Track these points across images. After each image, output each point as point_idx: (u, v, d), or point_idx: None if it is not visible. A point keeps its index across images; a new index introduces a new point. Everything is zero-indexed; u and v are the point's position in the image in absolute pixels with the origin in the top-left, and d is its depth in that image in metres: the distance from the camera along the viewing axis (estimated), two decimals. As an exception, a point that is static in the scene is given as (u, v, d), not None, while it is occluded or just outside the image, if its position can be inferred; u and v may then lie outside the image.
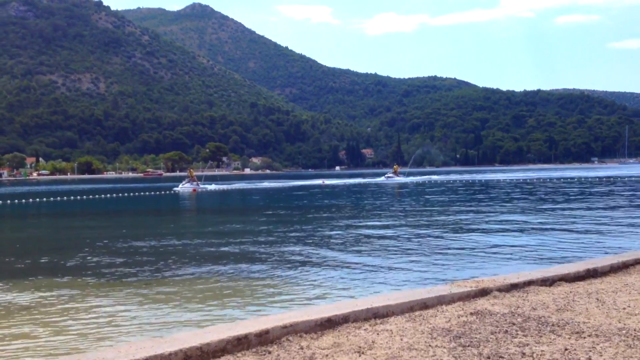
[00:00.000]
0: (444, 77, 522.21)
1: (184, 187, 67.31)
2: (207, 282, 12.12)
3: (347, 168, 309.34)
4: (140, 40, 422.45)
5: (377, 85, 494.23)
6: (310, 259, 14.62)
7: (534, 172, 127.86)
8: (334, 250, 16.09)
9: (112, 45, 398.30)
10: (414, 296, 6.83)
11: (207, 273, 13.09)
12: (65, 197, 51.94)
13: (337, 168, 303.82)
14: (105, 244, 18.87)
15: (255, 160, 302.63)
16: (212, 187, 72.30)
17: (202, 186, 69.97)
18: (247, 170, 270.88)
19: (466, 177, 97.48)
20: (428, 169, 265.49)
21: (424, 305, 6.70)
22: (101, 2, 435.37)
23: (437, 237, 18.45)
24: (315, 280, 12.00)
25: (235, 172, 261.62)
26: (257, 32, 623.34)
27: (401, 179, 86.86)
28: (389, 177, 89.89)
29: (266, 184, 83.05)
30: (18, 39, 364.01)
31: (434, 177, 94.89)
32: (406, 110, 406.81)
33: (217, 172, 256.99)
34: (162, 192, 60.51)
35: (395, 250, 15.70)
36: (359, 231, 20.60)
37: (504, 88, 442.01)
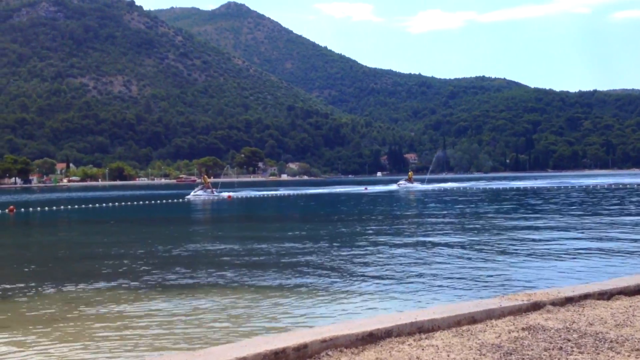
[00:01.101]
0: (493, 77, 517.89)
1: (197, 195, 64.84)
2: (242, 292, 12.17)
3: (390, 174, 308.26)
4: (174, 41, 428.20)
5: (421, 86, 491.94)
6: (349, 270, 14.59)
7: (573, 178, 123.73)
8: (374, 260, 16.03)
9: (144, 47, 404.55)
10: (461, 310, 6.75)
11: (241, 282, 13.16)
12: (90, 205, 52.85)
13: (379, 174, 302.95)
14: (132, 252, 19.11)
15: (293, 166, 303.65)
16: (227, 194, 69.73)
17: (216, 193, 68.03)
18: (284, 177, 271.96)
19: (494, 184, 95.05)
20: (476, 174, 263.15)
21: (472, 319, 6.63)
22: (133, 2, 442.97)
23: (484, 247, 18.25)
24: (355, 292, 11.97)
25: (272, 178, 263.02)
26: (295, 31, 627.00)
27: (415, 186, 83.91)
28: (401, 184, 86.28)
29: (282, 191, 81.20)
30: (48, 41, 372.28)
31: (455, 185, 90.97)
32: (452, 113, 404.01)
33: (252, 178, 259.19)
34: (173, 200, 59.05)
35: (440, 262, 15.58)
36: (399, 241, 20.49)
37: (557, 88, 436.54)
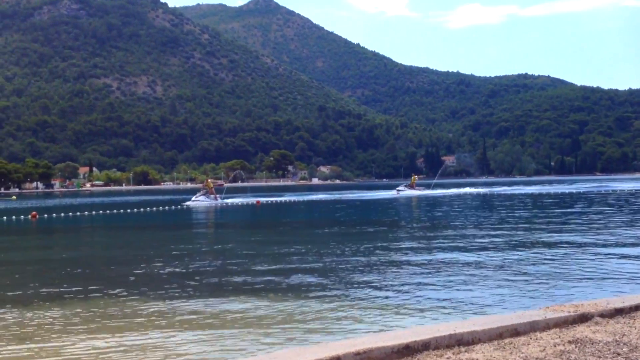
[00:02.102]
0: (536, 74, 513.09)
1: (198, 200, 62.56)
2: (271, 301, 12.23)
3: (426, 177, 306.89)
4: (200, 40, 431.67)
5: (460, 84, 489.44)
6: (383, 278, 14.58)
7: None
8: (410, 269, 15.99)
9: (169, 46, 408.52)
10: (503, 321, 6.71)
11: (270, 292, 13.21)
12: (115, 210, 53.46)
13: (415, 177, 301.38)
14: (157, 259, 19.30)
15: (324, 169, 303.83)
16: (235, 200, 67.87)
17: (220, 200, 65.40)
18: (315, 180, 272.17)
19: (516, 189, 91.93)
20: (517, 178, 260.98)
21: (515, 331, 6.58)
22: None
23: (525, 255, 18.10)
24: (390, 302, 11.95)
25: (302, 182, 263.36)
26: (326, 28, 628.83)
27: (416, 193, 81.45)
28: (400, 190, 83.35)
29: (288, 197, 77.79)
30: (70, 40, 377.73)
31: (463, 190, 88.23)
32: (493, 113, 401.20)
33: (282, 182, 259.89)
34: (172, 207, 56.74)
35: (479, 270, 15.49)
36: (434, 247, 20.42)
37: (605, 86, 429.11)
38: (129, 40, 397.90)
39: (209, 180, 71.84)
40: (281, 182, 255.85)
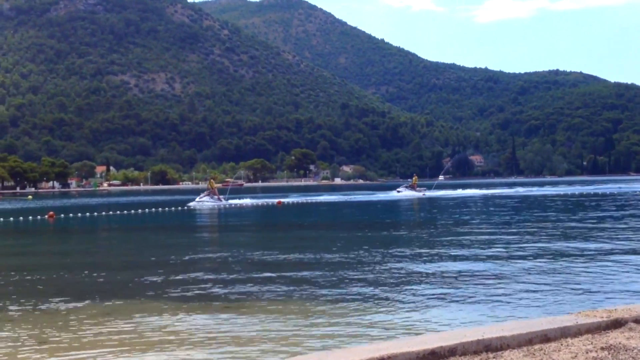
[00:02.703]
0: (568, 70, 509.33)
1: (202, 201, 62.18)
2: (293, 305, 12.26)
3: (453, 177, 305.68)
4: (219, 35, 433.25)
5: (488, 81, 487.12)
6: (408, 281, 14.57)
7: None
8: (436, 272, 15.97)
9: (188, 42, 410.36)
10: (533, 327, 6.69)
11: (291, 296, 13.25)
12: (133, 211, 53.81)
13: (441, 177, 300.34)
14: (177, 261, 19.44)
15: (347, 169, 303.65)
16: (243, 201, 67.17)
17: (224, 201, 64.65)
18: (338, 180, 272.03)
19: (521, 190, 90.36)
20: (548, 178, 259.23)
21: (545, 337, 6.57)
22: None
23: (557, 258, 18.01)
24: (415, 306, 11.94)
25: (324, 182, 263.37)
26: (349, 22, 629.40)
27: (416, 194, 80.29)
28: (400, 192, 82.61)
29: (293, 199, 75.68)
30: (87, 36, 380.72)
31: (467, 192, 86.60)
32: (522, 111, 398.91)
33: (303, 182, 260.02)
34: (174, 209, 55.95)
35: (508, 274, 15.43)
36: (459, 252, 20.37)
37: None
38: (147, 36, 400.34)
39: (212, 180, 71.50)
40: (302, 182, 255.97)
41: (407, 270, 16.45)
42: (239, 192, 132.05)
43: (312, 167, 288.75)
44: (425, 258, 18.83)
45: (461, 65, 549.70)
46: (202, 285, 14.80)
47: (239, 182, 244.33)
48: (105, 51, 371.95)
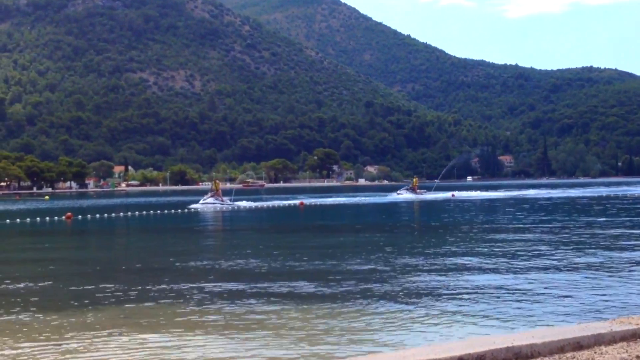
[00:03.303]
0: (602, 67, 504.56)
1: (206, 203, 61.35)
2: (314, 311, 12.30)
3: (481, 178, 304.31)
4: (240, 31, 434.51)
5: (519, 78, 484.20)
6: (436, 287, 14.55)
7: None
8: (463, 275, 15.93)
9: (208, 38, 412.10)
10: (565, 334, 6.67)
11: (313, 300, 13.29)
12: (152, 212, 54.16)
13: (469, 178, 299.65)
14: (196, 265, 19.57)
15: (371, 169, 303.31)
16: (248, 204, 65.93)
17: (229, 202, 63.83)
18: (362, 181, 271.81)
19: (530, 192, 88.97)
20: (581, 179, 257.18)
21: (578, 345, 6.54)
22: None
23: (591, 263, 17.90)
24: (443, 312, 11.93)
25: (348, 183, 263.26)
26: (374, 18, 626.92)
27: (416, 196, 79.55)
28: (400, 193, 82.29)
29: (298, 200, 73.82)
30: (105, 32, 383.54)
31: (473, 195, 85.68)
32: (554, 109, 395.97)
33: (326, 182, 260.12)
34: (177, 211, 55.01)
35: (539, 278, 15.37)
36: (487, 257, 20.30)
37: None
38: (167, 32, 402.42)
39: (217, 181, 70.29)
40: (325, 183, 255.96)
41: (433, 275, 16.43)
42: (259, 192, 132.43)
43: (335, 167, 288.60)
44: (451, 264, 18.79)
45: (490, 61, 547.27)
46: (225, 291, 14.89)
47: (260, 182, 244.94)
48: (123, 48, 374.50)
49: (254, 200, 70.52)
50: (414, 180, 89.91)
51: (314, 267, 18.43)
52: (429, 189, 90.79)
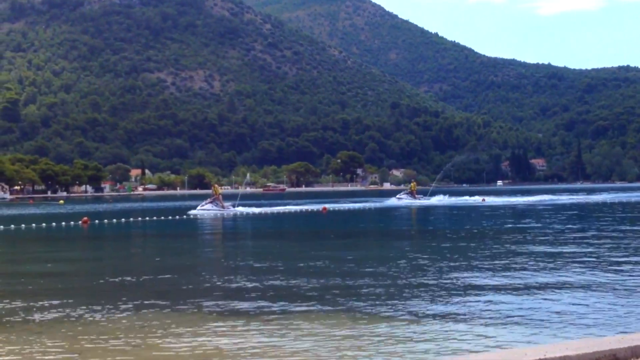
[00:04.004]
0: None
1: (204, 209, 59.64)
2: (342, 319, 12.37)
3: (512, 183, 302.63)
4: (261, 30, 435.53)
5: (551, 78, 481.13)
6: (464, 295, 14.56)
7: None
8: (493, 283, 15.93)
9: (228, 37, 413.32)
10: (600, 346, 6.69)
11: (342, 308, 13.36)
12: (171, 217, 54.45)
13: (499, 183, 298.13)
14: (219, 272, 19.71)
15: (397, 173, 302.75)
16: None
17: (231, 208, 62.43)
18: (387, 185, 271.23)
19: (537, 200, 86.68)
20: (617, 184, 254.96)
21: (614, 357, 6.55)
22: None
23: (624, 272, 17.82)
24: (473, 321, 11.95)
25: (372, 187, 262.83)
26: (400, 16, 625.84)
27: (417, 202, 78.89)
28: (400, 198, 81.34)
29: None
30: (122, 31, 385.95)
31: (472, 199, 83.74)
32: (589, 110, 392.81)
33: (350, 186, 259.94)
34: (175, 217, 53.69)
35: (574, 286, 15.34)
36: (521, 262, 20.29)
37: None
38: (185, 31, 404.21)
39: (216, 185, 67.96)
40: (349, 187, 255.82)
41: (465, 282, 16.45)
42: (281, 197, 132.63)
43: (359, 171, 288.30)
44: (479, 270, 18.79)
45: (522, 60, 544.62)
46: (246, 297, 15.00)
47: (281, 186, 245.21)
48: (141, 47, 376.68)
49: (259, 206, 69.36)
50: (412, 184, 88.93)
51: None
52: (424, 193, 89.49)
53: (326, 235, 35.42)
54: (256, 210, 62.62)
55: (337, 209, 68.04)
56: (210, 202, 61.24)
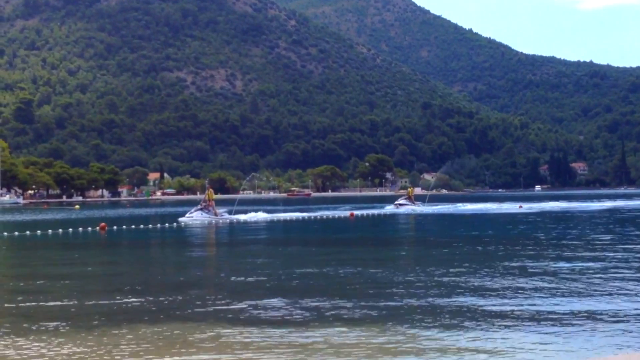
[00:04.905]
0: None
1: (192, 217, 56.58)
2: (375, 328, 12.45)
3: (551, 188, 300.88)
4: (286, 27, 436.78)
5: (593, 77, 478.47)
6: (494, 305, 14.57)
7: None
8: (534, 294, 15.92)
9: (251, 34, 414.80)
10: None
11: (382, 316, 13.45)
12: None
13: (537, 188, 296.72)
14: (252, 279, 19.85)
15: (428, 177, 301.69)
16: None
17: (225, 215, 59.90)
18: (418, 190, 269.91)
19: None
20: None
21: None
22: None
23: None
24: (507, 333, 11.97)
25: (402, 192, 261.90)
26: (432, 11, 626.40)
27: (416, 208, 78.26)
28: (400, 204, 79.88)
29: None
30: (140, 29, 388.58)
31: (469, 207, 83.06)
32: (634, 111, 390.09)
33: (378, 191, 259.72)
34: (164, 226, 51.29)
35: (618, 294, 15.29)
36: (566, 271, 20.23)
37: None
38: (206, 28, 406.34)
39: (211, 190, 62.46)
40: (378, 192, 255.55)
41: (499, 290, 16.44)
42: (306, 202, 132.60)
43: (388, 175, 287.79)
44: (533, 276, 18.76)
45: (562, 58, 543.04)
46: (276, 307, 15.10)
47: (306, 191, 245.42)
48: (159, 45, 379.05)
49: (270, 212, 68.14)
50: (409, 189, 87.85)
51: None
52: (422, 200, 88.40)
53: (354, 242, 35.39)
54: (253, 217, 61.44)
55: (330, 216, 66.05)
56: (201, 209, 57.92)
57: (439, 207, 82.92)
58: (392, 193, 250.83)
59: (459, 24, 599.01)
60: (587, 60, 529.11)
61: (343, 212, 68.40)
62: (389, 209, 78.27)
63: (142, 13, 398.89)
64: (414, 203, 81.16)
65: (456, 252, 27.44)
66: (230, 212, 61.25)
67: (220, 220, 56.69)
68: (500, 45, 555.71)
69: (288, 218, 62.67)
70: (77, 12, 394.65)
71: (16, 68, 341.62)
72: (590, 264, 21.63)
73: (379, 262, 24.63)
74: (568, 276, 18.89)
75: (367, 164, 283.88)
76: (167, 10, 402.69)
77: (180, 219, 55.47)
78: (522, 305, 14.79)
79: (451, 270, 20.61)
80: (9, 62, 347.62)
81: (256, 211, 66.88)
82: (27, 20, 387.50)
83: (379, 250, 30.56)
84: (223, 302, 15.96)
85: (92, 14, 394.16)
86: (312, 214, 67.27)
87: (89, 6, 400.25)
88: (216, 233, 45.62)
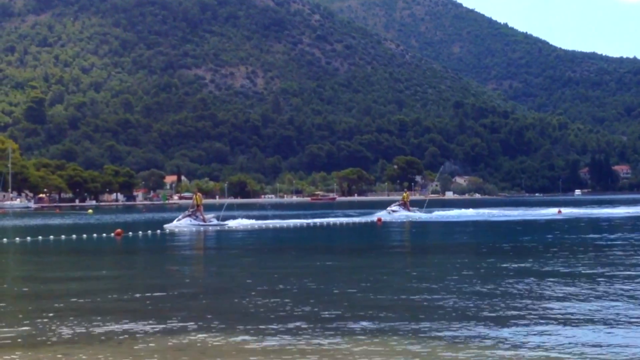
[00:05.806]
0: None
1: (180, 223, 55.57)
2: (397, 341, 12.64)
3: (592, 192, 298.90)
4: (309, 21, 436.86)
5: (637, 74, 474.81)
6: (529, 312, 14.68)
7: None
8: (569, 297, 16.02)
9: (273, 29, 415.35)
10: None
11: (398, 329, 13.62)
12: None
13: (577, 192, 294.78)
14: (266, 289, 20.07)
15: (461, 181, 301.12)
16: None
17: (215, 221, 58.86)
18: (449, 194, 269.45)
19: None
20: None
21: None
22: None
23: None
24: (536, 346, 12.11)
25: (433, 196, 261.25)
26: (465, 4, 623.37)
27: (411, 214, 76.50)
28: (393, 210, 78.01)
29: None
30: (157, 24, 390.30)
31: (470, 212, 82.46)
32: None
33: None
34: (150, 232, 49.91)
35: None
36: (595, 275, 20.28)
37: None
38: (226, 23, 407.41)
39: (199, 195, 61.25)
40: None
41: (526, 299, 16.54)
42: (331, 207, 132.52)
43: (418, 178, 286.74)
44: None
45: (603, 54, 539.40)
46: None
47: (330, 195, 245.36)
48: (177, 41, 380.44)
49: (258, 218, 67.05)
50: (405, 194, 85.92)
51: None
52: (420, 205, 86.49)
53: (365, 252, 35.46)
54: (247, 223, 60.69)
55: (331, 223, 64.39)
56: (189, 216, 56.71)
57: (441, 213, 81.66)
58: (421, 197, 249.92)
59: (493, 18, 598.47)
60: (631, 56, 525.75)
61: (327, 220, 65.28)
62: (383, 214, 75.24)
63: (158, 7, 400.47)
64: (409, 209, 78.72)
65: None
66: (218, 218, 60.23)
67: (210, 227, 56.06)
68: (537, 40, 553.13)
69: (271, 226, 60.43)
70: (90, 7, 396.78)
71: (27, 66, 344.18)
72: None
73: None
74: None
75: (395, 166, 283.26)
76: (185, 4, 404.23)
77: (166, 226, 54.66)
78: None
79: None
80: (19, 60, 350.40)
81: (249, 217, 66.12)
82: (39, 15, 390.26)
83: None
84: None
85: (106, 8, 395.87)
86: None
87: (103, 1, 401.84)
88: (205, 241, 45.66)
